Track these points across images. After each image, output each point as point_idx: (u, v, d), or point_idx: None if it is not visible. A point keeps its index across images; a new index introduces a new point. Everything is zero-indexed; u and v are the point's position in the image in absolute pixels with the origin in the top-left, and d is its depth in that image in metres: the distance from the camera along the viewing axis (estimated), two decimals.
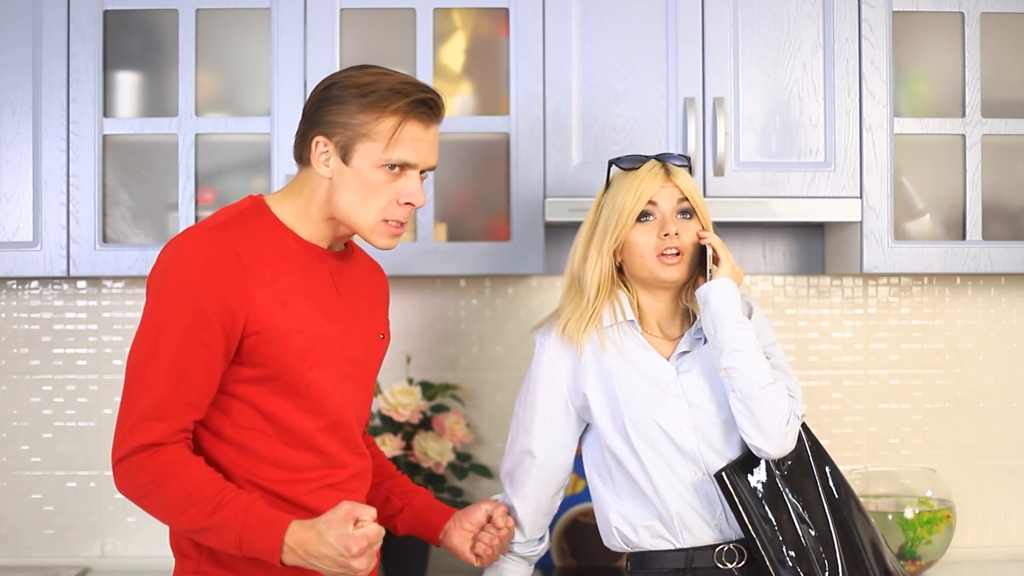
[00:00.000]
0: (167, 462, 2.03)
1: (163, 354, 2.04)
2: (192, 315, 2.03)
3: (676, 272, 2.33)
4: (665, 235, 2.31)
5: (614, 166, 2.39)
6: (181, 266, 2.06)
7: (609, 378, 2.34)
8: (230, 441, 2.12)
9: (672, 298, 2.39)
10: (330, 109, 2.12)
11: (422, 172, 2.16)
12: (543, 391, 2.40)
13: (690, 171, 2.40)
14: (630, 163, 2.36)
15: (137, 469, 2.03)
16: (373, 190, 2.12)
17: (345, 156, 2.12)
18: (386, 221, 2.15)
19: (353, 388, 2.21)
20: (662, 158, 2.36)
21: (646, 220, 2.33)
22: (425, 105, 2.12)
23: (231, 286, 2.05)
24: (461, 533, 2.37)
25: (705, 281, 2.32)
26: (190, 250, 2.07)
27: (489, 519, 2.38)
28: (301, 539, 1.97)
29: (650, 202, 2.33)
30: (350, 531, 1.94)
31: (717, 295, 2.29)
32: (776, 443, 2.26)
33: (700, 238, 2.33)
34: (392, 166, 2.12)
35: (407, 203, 2.14)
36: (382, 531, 1.98)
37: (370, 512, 1.97)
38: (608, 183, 2.39)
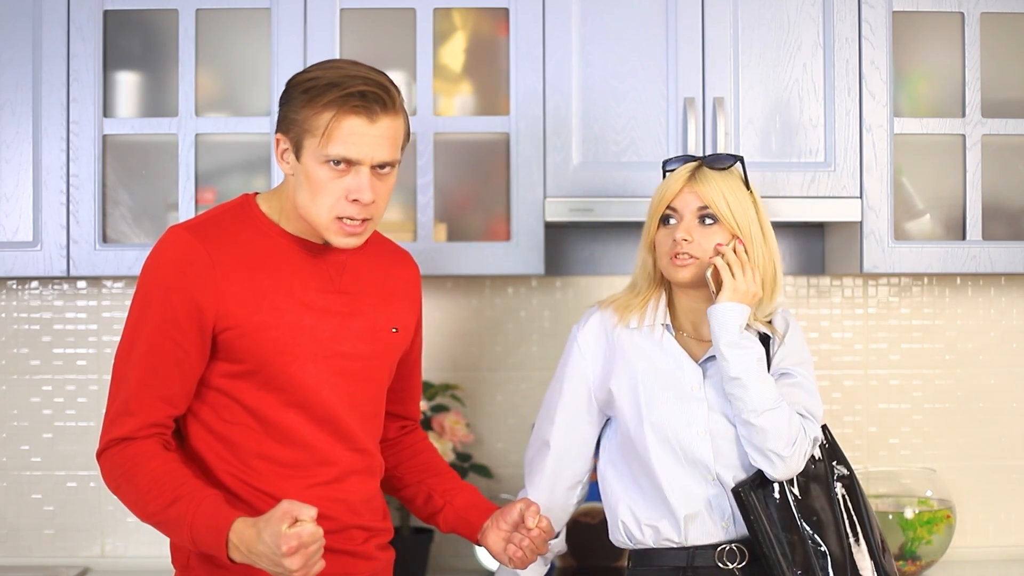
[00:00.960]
0: (134, 455, 2.06)
1: (136, 350, 2.08)
2: (162, 312, 2.07)
3: (687, 273, 2.33)
4: (673, 241, 2.32)
5: (663, 166, 2.42)
6: (153, 265, 2.11)
7: (634, 376, 2.35)
8: (218, 436, 2.13)
9: (706, 299, 2.37)
10: (285, 107, 2.13)
11: (380, 168, 2.10)
12: (569, 381, 2.42)
13: (744, 170, 2.36)
14: (671, 165, 2.40)
15: (111, 462, 2.08)
16: (320, 187, 2.09)
17: (297, 153, 2.11)
18: (340, 219, 2.10)
19: (348, 382, 2.19)
20: (708, 161, 2.36)
21: (667, 224, 2.35)
22: (362, 98, 2.05)
23: (199, 283, 2.07)
24: (496, 533, 2.27)
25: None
26: (162, 249, 2.12)
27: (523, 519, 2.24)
28: (243, 537, 1.95)
29: (670, 207, 2.34)
30: (283, 530, 1.89)
31: (716, 321, 2.30)
32: (779, 468, 2.26)
33: (714, 253, 2.32)
34: (337, 162, 2.07)
35: (355, 200, 2.08)
36: (318, 532, 1.91)
37: (309, 512, 1.91)
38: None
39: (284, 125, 2.12)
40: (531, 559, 2.25)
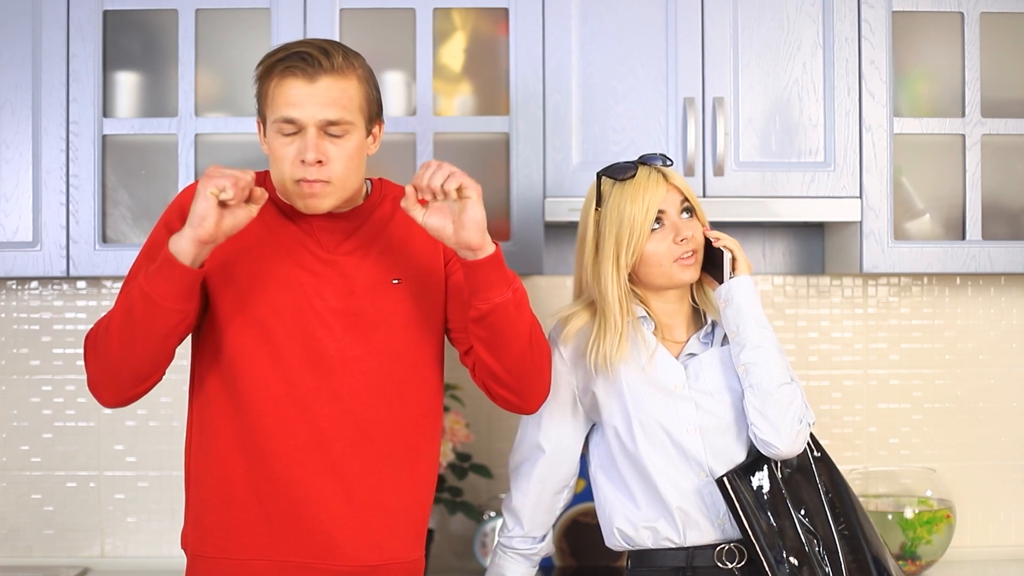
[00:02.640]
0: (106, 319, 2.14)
1: (134, 264, 2.21)
2: (160, 225, 2.21)
3: (694, 272, 2.35)
4: (681, 240, 2.32)
5: (605, 178, 2.38)
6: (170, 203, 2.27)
7: (619, 379, 2.35)
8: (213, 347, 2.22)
9: (679, 299, 2.40)
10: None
11: (328, 129, 2.12)
12: (552, 388, 2.40)
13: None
14: (623, 173, 2.35)
15: (89, 336, 2.15)
16: (276, 154, 2.16)
17: (264, 129, 2.19)
18: (298, 183, 2.14)
19: (347, 335, 2.19)
20: (648, 161, 2.37)
21: (656, 228, 2.34)
22: (300, 59, 2.11)
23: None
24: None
25: (719, 281, 2.35)
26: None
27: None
28: (176, 233, 2.04)
29: (660, 211, 2.34)
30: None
31: (740, 292, 2.32)
32: (787, 441, 2.27)
33: (714, 239, 2.35)
34: (285, 127, 2.12)
35: (302, 160, 2.12)
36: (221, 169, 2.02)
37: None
38: (599, 195, 2.38)
39: (257, 108, 2.20)
40: (432, 192, 2.10)
